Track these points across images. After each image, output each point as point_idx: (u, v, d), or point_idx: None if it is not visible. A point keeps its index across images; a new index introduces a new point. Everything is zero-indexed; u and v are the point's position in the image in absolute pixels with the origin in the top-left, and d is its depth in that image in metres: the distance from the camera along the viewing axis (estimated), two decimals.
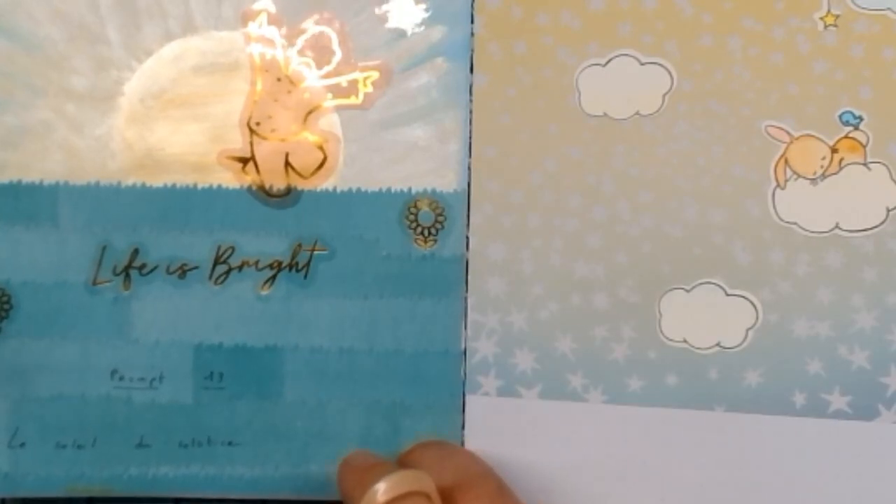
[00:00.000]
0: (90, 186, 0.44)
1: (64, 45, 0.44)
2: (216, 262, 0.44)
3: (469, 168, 0.44)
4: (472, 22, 0.44)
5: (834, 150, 0.42)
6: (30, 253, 0.44)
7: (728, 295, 0.42)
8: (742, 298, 0.42)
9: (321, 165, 0.44)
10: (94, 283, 0.44)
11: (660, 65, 0.43)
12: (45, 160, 0.44)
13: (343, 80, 0.44)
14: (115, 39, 0.44)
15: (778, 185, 0.42)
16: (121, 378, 0.44)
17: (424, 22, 0.44)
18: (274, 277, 0.44)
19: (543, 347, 0.43)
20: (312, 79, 0.44)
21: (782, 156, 0.42)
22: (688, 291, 0.43)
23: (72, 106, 0.44)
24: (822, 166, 0.42)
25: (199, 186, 0.44)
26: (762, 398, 0.42)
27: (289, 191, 0.44)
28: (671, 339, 0.43)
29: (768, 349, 0.42)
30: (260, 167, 0.44)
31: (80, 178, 0.44)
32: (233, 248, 0.44)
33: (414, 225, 0.44)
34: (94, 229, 0.44)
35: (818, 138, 0.42)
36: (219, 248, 0.44)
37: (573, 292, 0.43)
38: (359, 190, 0.44)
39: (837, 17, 0.42)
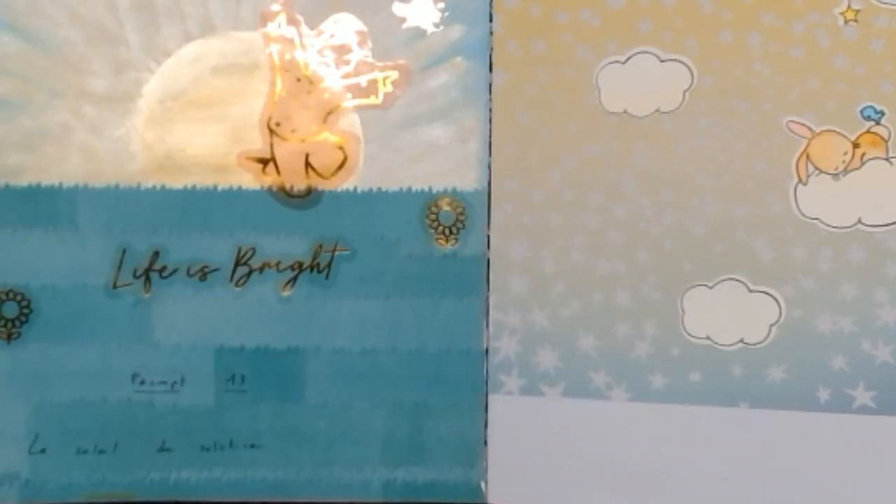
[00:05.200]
0: (109, 189, 0.43)
1: (82, 47, 0.43)
2: (237, 264, 0.44)
3: (489, 167, 0.44)
4: (490, 21, 0.44)
5: (855, 145, 0.42)
6: (49, 256, 0.43)
7: (751, 291, 0.42)
8: (765, 294, 0.42)
9: (341, 165, 0.44)
10: (115, 287, 0.44)
11: (680, 61, 0.43)
12: (64, 163, 0.43)
13: (363, 80, 0.44)
14: (134, 41, 0.43)
15: (800, 181, 0.42)
16: (142, 382, 0.44)
17: (443, 21, 0.44)
18: (295, 278, 0.44)
19: (566, 346, 0.43)
20: (332, 79, 0.44)
21: (804, 151, 0.42)
22: (710, 288, 0.43)
23: (90, 108, 0.43)
24: (843, 161, 0.42)
25: (220, 188, 0.44)
26: (786, 394, 0.42)
27: (309, 191, 0.44)
28: (694, 336, 0.43)
29: (792, 345, 0.42)
30: (280, 168, 0.44)
31: (99, 181, 0.43)
32: (254, 250, 0.44)
33: (435, 224, 0.44)
34: (114, 232, 0.43)
35: (840, 133, 0.42)
36: (239, 249, 0.44)
37: (595, 290, 0.43)
38: (379, 190, 0.44)
39: (858, 12, 0.42)
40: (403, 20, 0.44)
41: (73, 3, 0.43)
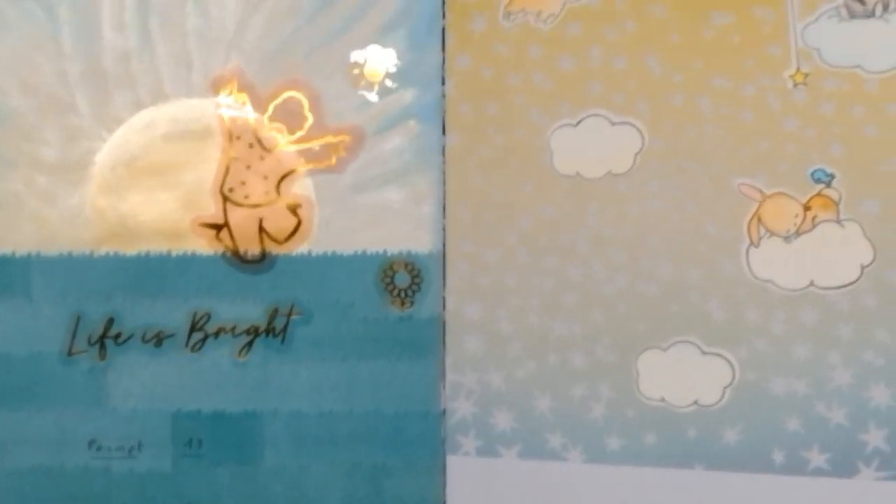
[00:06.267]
0: (63, 257, 0.44)
1: (34, 116, 0.44)
2: (192, 329, 0.44)
3: (444, 229, 0.44)
4: (443, 84, 0.44)
5: (807, 208, 0.42)
6: (3, 325, 0.43)
7: (704, 353, 0.42)
8: (718, 357, 0.42)
9: (296, 230, 0.44)
10: (70, 354, 0.44)
11: (631, 124, 0.43)
12: (16, 232, 0.43)
13: (316, 145, 0.44)
14: (85, 109, 0.44)
15: (752, 243, 0.42)
16: (98, 448, 0.44)
17: (396, 85, 0.44)
18: (251, 343, 0.44)
19: (522, 406, 0.43)
20: (285, 144, 0.44)
21: (755, 213, 0.42)
22: (664, 350, 0.43)
23: (43, 177, 0.44)
24: (795, 224, 0.42)
25: (173, 254, 0.44)
26: (741, 456, 0.42)
27: (263, 256, 0.44)
28: (649, 398, 0.43)
29: (746, 407, 0.42)
30: (234, 233, 0.44)
31: (52, 249, 0.44)
32: (209, 315, 0.44)
33: (390, 287, 0.44)
34: (68, 300, 0.44)
35: (790, 196, 0.42)
36: (195, 314, 0.44)
37: (550, 351, 0.43)
38: (334, 253, 0.44)
39: (807, 75, 0.42)
40: (356, 84, 0.44)
41: (23, 73, 0.43)
